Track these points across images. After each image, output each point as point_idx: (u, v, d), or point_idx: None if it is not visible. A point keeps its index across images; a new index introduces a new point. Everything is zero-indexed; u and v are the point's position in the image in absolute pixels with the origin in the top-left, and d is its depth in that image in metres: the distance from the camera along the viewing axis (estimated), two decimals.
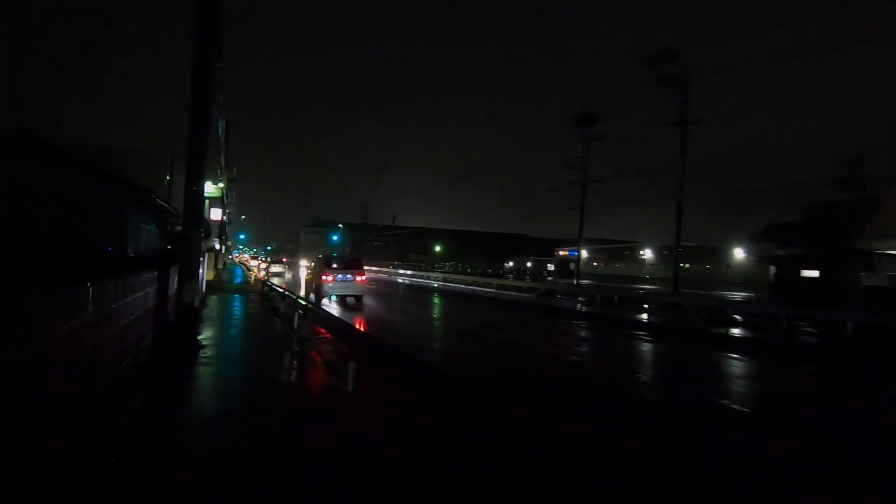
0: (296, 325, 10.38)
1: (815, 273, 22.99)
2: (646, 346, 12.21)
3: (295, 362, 7.77)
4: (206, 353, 7.82)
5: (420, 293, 27.98)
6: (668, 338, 13.54)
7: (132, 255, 11.75)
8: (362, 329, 11.73)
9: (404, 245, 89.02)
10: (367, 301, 19.35)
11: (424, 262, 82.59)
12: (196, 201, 7.85)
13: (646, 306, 21.95)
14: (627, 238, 73.27)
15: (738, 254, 52.56)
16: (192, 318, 7.99)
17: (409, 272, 55.22)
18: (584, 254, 71.13)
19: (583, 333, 14.06)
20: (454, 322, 15.54)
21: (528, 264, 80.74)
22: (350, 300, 18.39)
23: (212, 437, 4.44)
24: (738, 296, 29.47)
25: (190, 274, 7.60)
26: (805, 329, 15.51)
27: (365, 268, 19.52)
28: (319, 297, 17.69)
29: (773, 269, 37.05)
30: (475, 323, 14.95)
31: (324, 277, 18.16)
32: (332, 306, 16.59)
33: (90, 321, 3.18)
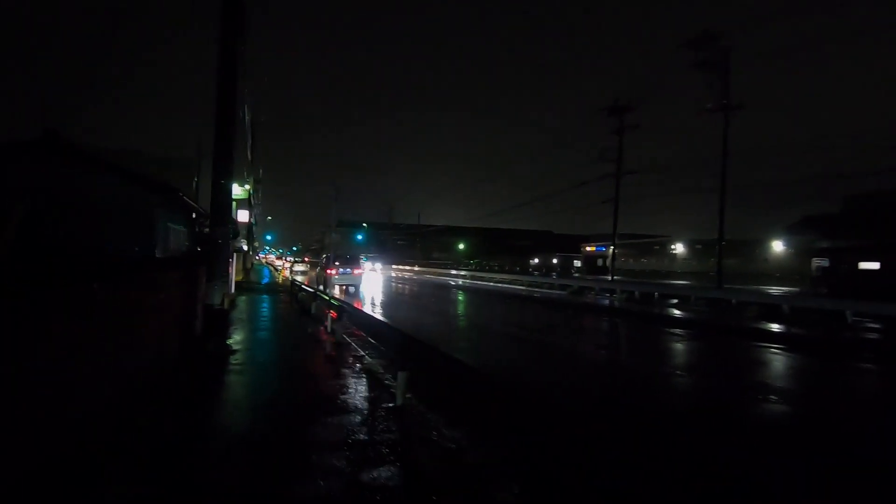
0: (329, 328, 9.82)
1: (874, 265, 21.41)
2: (717, 351, 11.09)
3: (330, 368, 7.14)
4: (237, 358, 7.25)
5: (449, 292, 27.28)
6: (730, 338, 12.47)
7: (160, 255, 11.36)
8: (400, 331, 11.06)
9: (428, 243, 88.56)
10: (399, 301, 18.79)
11: (448, 260, 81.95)
12: (223, 197, 7.32)
13: (683, 303, 20.76)
14: (652, 232, 71.05)
15: (777, 247, 50.20)
16: (221, 321, 7.47)
17: (435, 271, 54.74)
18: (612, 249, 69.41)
19: (634, 335, 13.11)
20: (492, 323, 14.74)
21: (554, 261, 79.40)
22: (351, 289, 22.87)
23: (240, 471, 3.80)
24: (777, 290, 27.84)
25: (218, 274, 7.06)
26: (870, 326, 14.22)
27: (394, 266, 24.99)
28: (326, 286, 20.70)
29: (816, 261, 35.11)
30: (515, 324, 14.16)
31: (329, 271, 23.76)
32: (366, 308, 16.02)
33: (102, 326, 2.57)
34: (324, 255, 26.45)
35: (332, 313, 9.95)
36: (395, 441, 4.28)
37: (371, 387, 6.10)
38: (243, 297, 17.16)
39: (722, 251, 24.43)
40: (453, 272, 48.20)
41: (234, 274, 19.22)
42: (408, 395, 5.32)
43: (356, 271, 23.95)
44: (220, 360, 6.76)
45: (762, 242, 51.18)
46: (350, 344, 8.88)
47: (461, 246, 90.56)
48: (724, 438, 5.25)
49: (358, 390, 5.92)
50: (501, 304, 20.85)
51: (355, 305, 12.38)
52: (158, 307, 4.58)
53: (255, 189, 40.24)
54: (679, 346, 11.55)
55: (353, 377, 6.51)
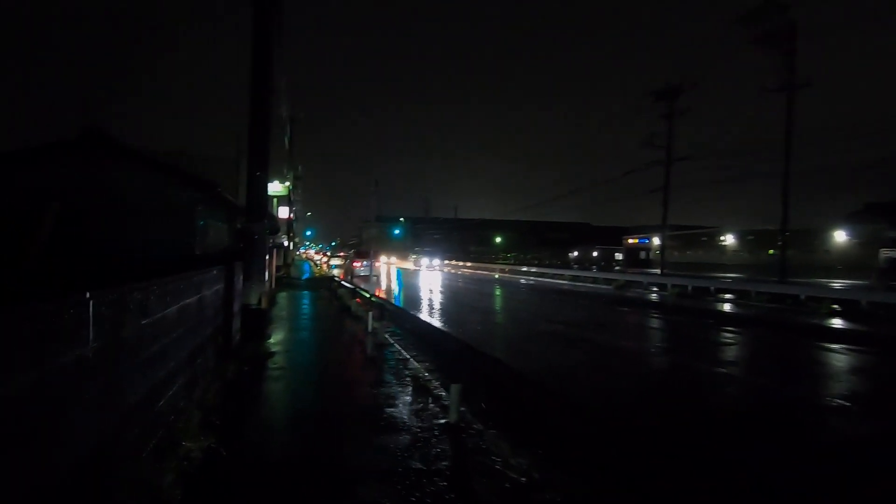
0: (370, 328, 9.31)
1: None
2: (811, 359, 9.54)
3: (374, 374, 6.60)
4: (275, 361, 6.83)
5: (488, 286, 26.51)
6: (814, 342, 11.15)
7: (199, 253, 11.17)
8: (449, 333, 10.43)
9: (465, 237, 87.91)
10: (443, 299, 18.21)
11: (485, 253, 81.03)
12: (259, 191, 6.89)
13: (743, 299, 19.24)
14: (695, 223, 67.74)
15: (839, 237, 46.78)
16: (258, 321, 7.05)
17: (470, 264, 54.06)
18: (657, 241, 66.81)
19: (699, 335, 11.95)
20: (541, 321, 13.92)
21: (594, 254, 77.34)
22: (373, 278, 30.10)
23: None
24: (840, 283, 25.60)
25: (254, 271, 6.63)
26: None
27: (447, 262, 35.37)
28: (351, 275, 29.33)
29: (885, 252, 32.27)
30: (564, 321, 13.29)
31: (354, 264, 33.60)
32: (409, 307, 15.54)
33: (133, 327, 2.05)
34: (351, 251, 38.59)
35: (373, 311, 9.44)
36: (452, 470, 3.66)
37: (418, 396, 5.51)
38: (283, 294, 17.02)
39: (786, 242, 22.64)
40: (496, 267, 47.29)
41: (273, 270, 19.16)
42: (462, 409, 4.69)
43: (375, 264, 34.43)
44: (257, 365, 6.33)
45: (821, 232, 47.80)
46: (392, 345, 8.34)
47: (498, 239, 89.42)
48: None
49: (404, 401, 5.34)
50: (548, 299, 19.97)
51: (393, 302, 11.87)
52: (191, 310, 4.13)
53: (294, 186, 40.68)
54: (758, 351, 10.37)
55: (398, 385, 5.94)
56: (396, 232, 79.31)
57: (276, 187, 39.45)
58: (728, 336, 11.51)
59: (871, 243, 36.95)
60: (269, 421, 4.87)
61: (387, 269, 42.87)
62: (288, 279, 24.46)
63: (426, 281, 29.87)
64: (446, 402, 4.96)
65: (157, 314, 2.98)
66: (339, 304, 14.06)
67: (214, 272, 5.06)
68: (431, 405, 5.17)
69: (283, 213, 38.88)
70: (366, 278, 29.29)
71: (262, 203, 6.93)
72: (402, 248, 77.34)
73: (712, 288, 21.41)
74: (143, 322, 2.78)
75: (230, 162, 29.26)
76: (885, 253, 33.62)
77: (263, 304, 7.21)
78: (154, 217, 10.10)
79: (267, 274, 8.72)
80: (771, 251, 48.26)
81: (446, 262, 56.10)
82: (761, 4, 20.35)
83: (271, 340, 8.23)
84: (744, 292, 20.13)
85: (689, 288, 22.41)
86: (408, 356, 7.51)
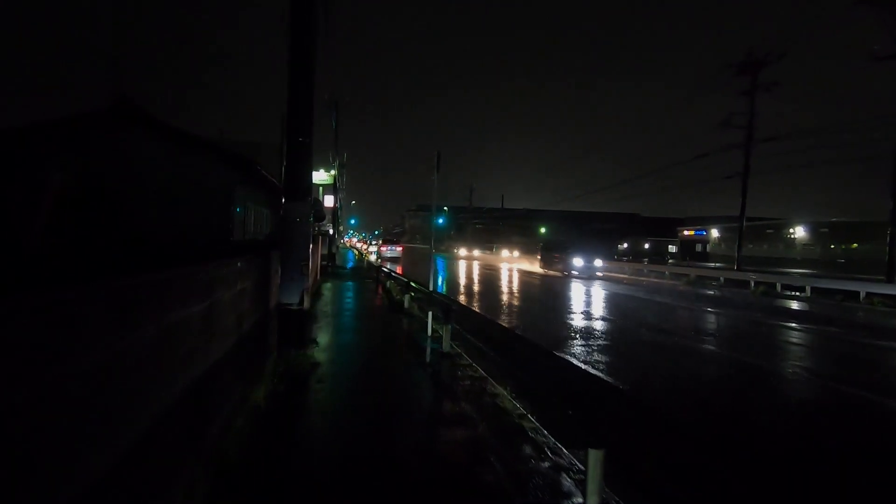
0: (429, 331, 7.81)
1: None
2: None
3: (446, 403, 5.07)
4: (318, 376, 5.41)
5: (534, 279, 24.60)
6: None
7: (238, 239, 10.00)
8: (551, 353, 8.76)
9: (510, 227, 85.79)
10: (509, 299, 16.58)
11: (528, 244, 78.50)
12: (301, 163, 5.47)
13: (852, 300, 16.54)
14: (758, 215, 62.95)
15: None
16: (298, 324, 5.66)
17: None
18: (715, 233, 62.50)
19: (834, 348, 9.72)
20: (624, 324, 12.01)
21: (646, 245, 73.82)
22: (392, 262, 30.70)
23: None
24: None
25: (294, 264, 5.23)
26: None
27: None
28: (380, 257, 34.99)
29: None
30: (647, 325, 11.36)
31: (382, 248, 41.23)
32: (474, 305, 13.98)
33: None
34: (380, 239, 48.93)
35: (431, 311, 7.90)
36: None
37: (512, 438, 3.93)
38: (328, 285, 15.85)
39: (895, 236, 19.53)
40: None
41: (318, 259, 18.08)
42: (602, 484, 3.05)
43: (398, 249, 42.15)
44: (297, 384, 4.93)
45: None
46: (461, 356, 6.79)
47: (542, 230, 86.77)
48: None
49: (494, 449, 3.77)
50: (616, 296, 17.91)
51: (460, 300, 10.31)
52: (212, 315, 2.74)
53: (340, 173, 39.91)
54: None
55: (481, 421, 4.37)
56: (440, 221, 78.28)
57: (321, 175, 38.79)
58: (859, 348, 9.31)
59: None
60: (305, 480, 3.38)
61: (507, 277, 25.25)
62: (333, 269, 23.49)
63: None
64: (572, 470, 3.35)
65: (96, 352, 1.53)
66: (388, 298, 12.68)
67: (239, 265, 3.65)
68: (540, 461, 3.57)
69: (329, 201, 38.29)
70: (394, 259, 35.78)
71: (305, 178, 5.49)
72: (523, 239, 70.23)
73: (808, 287, 18.70)
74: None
75: (275, 148, 28.59)
76: None
77: (306, 303, 5.81)
78: (186, 198, 8.96)
79: (311, 263, 7.43)
80: (855, 245, 43.72)
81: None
82: None
83: (316, 346, 6.84)
84: (850, 293, 17.37)
85: (778, 286, 19.77)
86: (484, 373, 5.94)
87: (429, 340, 7.54)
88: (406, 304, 10.56)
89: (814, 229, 51.47)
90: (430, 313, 7.84)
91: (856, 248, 44.03)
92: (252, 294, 4.17)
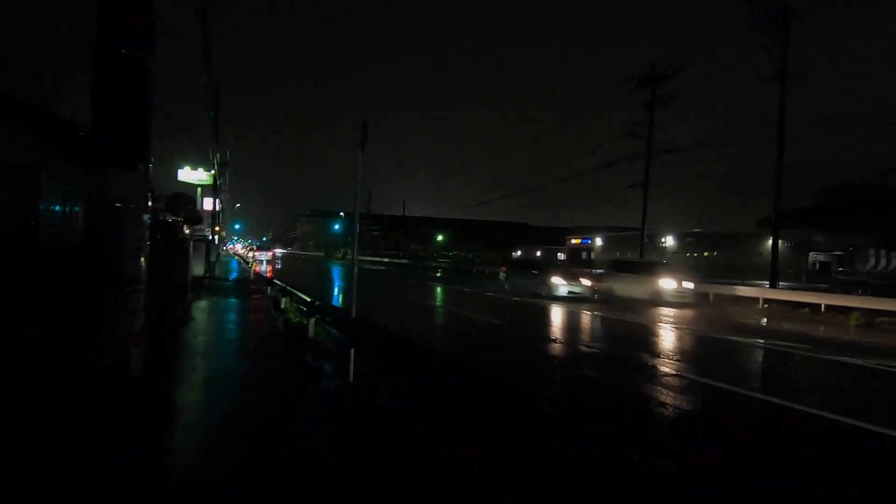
0: (351, 377, 5.56)
1: None
2: None
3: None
4: None
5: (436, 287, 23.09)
6: None
7: (52, 245, 6.86)
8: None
9: (406, 234, 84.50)
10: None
11: (425, 251, 77.73)
12: (127, 93, 2.96)
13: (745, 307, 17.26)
14: (627, 225, 69.27)
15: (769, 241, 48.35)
16: (121, 401, 3.14)
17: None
18: (599, 241, 66.68)
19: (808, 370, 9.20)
20: (581, 345, 10.66)
21: (538, 253, 76.81)
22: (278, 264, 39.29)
23: None
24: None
25: (110, 285, 2.82)
26: None
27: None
28: (254, 261, 39.84)
29: (813, 256, 34.86)
30: (600, 347, 10.13)
31: (253, 254, 48.28)
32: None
33: None
34: (255, 244, 57.11)
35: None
36: None
37: None
38: (202, 303, 12.65)
39: (777, 242, 21.07)
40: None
41: (193, 269, 14.69)
42: None
43: (273, 252, 50.25)
44: None
45: (759, 236, 49.01)
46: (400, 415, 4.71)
47: (439, 237, 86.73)
48: None
49: None
50: (539, 311, 16.86)
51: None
52: None
53: (221, 173, 34.98)
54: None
55: None
56: (336, 227, 74.32)
57: (200, 175, 33.73)
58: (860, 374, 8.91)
59: (802, 247, 38.42)
60: None
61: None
62: (212, 281, 19.74)
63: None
64: None
65: None
66: (283, 322, 10.08)
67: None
68: None
69: (209, 204, 33.31)
70: (266, 262, 40.96)
71: (136, 127, 3.01)
72: (420, 247, 70.79)
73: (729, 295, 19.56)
74: None
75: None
76: (813, 256, 35.70)
77: (136, 364, 3.29)
78: None
79: (189, 272, 4.88)
80: (706, 253, 50.18)
81: None
82: None
83: (175, 436, 4.27)
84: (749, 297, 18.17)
85: (711, 296, 20.48)
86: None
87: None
88: (311, 334, 8.13)
89: (682, 238, 57.32)
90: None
91: (715, 256, 50.49)
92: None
